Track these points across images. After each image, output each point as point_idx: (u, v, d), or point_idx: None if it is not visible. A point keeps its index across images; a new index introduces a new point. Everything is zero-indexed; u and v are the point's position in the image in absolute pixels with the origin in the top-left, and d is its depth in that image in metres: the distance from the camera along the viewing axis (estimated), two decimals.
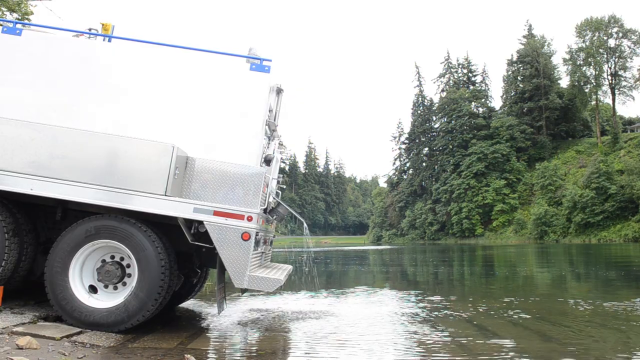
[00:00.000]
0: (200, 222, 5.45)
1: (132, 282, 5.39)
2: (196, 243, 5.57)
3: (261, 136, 5.87)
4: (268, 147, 6.45)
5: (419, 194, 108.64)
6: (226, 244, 5.39)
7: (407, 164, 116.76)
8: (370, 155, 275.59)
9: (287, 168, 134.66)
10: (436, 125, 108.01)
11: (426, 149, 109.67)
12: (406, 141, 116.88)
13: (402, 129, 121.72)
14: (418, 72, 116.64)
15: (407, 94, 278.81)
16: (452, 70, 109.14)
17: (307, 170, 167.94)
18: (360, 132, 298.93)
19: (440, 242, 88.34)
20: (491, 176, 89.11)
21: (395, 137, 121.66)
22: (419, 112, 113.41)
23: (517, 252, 35.93)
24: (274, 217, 6.38)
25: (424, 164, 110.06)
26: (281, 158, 7.54)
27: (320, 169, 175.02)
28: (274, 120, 6.58)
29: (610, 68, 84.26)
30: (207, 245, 5.54)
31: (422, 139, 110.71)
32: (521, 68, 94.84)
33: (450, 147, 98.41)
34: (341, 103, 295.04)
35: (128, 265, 5.49)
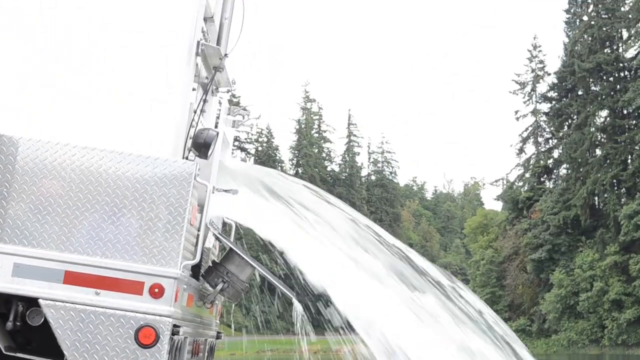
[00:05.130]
0: (33, 303, 2.82)
1: None
2: (11, 354, 2.81)
3: (186, 75, 3.08)
4: (202, 106, 3.27)
5: (585, 229, 47.76)
6: (94, 356, 2.71)
7: (554, 153, 54.16)
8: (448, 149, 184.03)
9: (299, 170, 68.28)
10: (628, 54, 48.33)
11: (604, 112, 48.73)
12: (552, 94, 53.16)
13: (541, 62, 55.48)
14: None
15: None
16: None
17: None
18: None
19: None
20: None
21: (521, 87, 55.70)
22: (586, 25, 50.27)
23: None
24: (219, 286, 3.13)
25: (597, 150, 48.83)
26: (245, 137, 4.30)
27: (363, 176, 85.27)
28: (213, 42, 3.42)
29: None
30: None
31: (591, 90, 49.23)
32: None
33: None
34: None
35: None
